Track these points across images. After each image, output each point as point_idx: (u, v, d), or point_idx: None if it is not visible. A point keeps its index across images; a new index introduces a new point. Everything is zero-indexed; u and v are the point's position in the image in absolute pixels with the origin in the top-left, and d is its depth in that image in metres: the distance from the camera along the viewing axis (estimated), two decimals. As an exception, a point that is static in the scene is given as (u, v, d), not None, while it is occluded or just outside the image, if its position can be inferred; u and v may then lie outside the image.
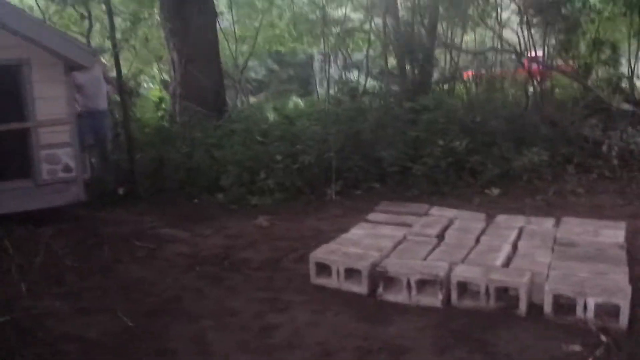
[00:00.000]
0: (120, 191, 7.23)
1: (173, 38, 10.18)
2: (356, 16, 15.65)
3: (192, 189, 7.25)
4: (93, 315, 4.03)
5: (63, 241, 5.47)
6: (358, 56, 17.82)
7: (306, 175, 7.09)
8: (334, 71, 18.13)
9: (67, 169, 6.17)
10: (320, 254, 4.37)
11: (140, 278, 4.70)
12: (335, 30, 14.99)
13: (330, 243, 4.66)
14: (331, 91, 12.81)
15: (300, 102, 18.09)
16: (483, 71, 11.00)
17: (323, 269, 4.30)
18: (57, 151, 6.11)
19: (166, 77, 13.92)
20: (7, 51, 5.82)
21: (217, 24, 11.52)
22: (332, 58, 15.05)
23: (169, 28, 10.27)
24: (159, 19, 11.37)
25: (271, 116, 11.25)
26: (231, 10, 15.82)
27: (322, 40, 15.07)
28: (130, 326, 3.81)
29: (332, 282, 4.21)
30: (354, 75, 16.08)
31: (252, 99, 18.82)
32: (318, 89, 17.15)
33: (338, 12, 15.29)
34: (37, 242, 5.30)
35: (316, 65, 20.91)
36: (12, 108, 6.07)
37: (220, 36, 12.20)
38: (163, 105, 10.98)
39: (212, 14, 10.70)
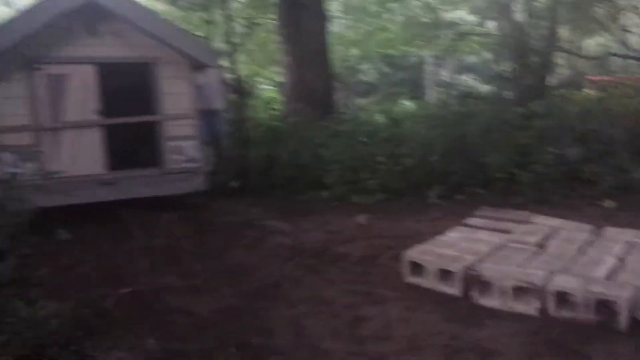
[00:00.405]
0: (233, 184, 7.77)
1: (287, 42, 10.67)
2: (470, 19, 15.37)
3: (298, 186, 7.60)
4: (203, 293, 4.45)
5: (181, 226, 6.03)
6: (471, 59, 17.52)
7: (408, 177, 7.18)
8: (445, 74, 17.95)
9: (190, 159, 6.78)
10: (414, 253, 4.47)
11: (246, 263, 5.09)
12: (448, 33, 14.85)
13: (426, 244, 4.73)
14: (441, 94, 12.79)
15: (410, 105, 18.07)
16: (605, 77, 10.38)
17: (417, 268, 4.39)
18: (182, 143, 6.74)
19: (280, 79, 14.58)
20: (141, 50, 6.55)
21: (329, 28, 11.89)
22: (443, 61, 14.95)
23: (284, 33, 10.78)
24: (274, 24, 11.95)
25: (378, 118, 11.44)
26: (343, 15, 16.21)
27: (433, 44, 14.99)
28: (235, 305, 4.17)
29: (425, 281, 4.29)
30: (466, 78, 15.84)
31: (361, 101, 19.12)
32: (429, 92, 17.01)
33: (451, 15, 15.12)
34: (158, 226, 5.88)
35: (428, 68, 20.73)
36: (143, 102, 6.79)
37: (332, 40, 12.58)
38: (275, 106, 11.55)
39: (324, 19, 11.07)
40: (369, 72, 23.47)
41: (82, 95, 6.38)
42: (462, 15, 15.74)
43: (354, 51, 16.82)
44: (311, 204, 7.16)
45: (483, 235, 4.90)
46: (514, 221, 5.28)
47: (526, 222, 5.28)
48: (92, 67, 6.41)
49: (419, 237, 5.32)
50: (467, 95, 12.33)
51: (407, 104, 18.22)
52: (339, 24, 16.53)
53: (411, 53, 21.10)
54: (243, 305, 4.17)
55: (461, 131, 7.99)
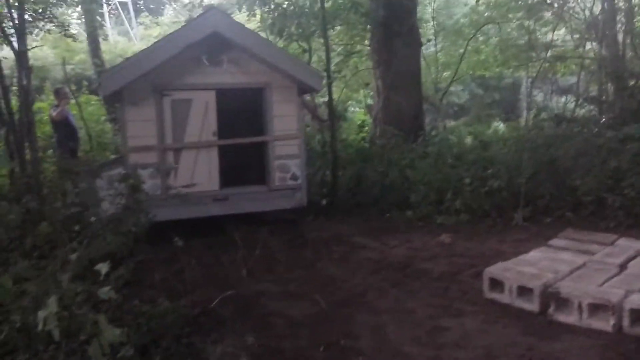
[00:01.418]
0: (324, 202, 8.27)
1: (379, 67, 11.13)
2: (569, 40, 15.04)
3: (384, 205, 7.96)
4: (296, 299, 4.92)
5: (276, 239, 6.58)
6: (568, 81, 17.04)
7: (494, 199, 7.30)
8: (541, 96, 17.57)
9: (294, 177, 7.38)
10: (494, 270, 4.69)
11: (335, 275, 5.53)
12: (544, 54, 14.62)
13: (507, 262, 4.92)
14: (534, 116, 12.63)
15: (502, 127, 17.85)
16: None
17: (496, 284, 4.60)
18: (288, 162, 7.34)
19: (370, 102, 15.04)
20: (254, 76, 7.22)
21: (421, 53, 12.20)
22: (539, 83, 14.72)
23: (376, 59, 11.26)
24: (368, 50, 12.44)
25: (467, 140, 11.56)
26: (435, 38, 16.43)
27: (529, 65, 14.80)
28: (324, 311, 4.59)
29: (504, 297, 4.50)
30: (561, 100, 15.46)
31: (452, 123, 19.13)
32: (524, 114, 16.73)
33: (548, 37, 14.87)
34: (257, 238, 6.45)
35: (523, 89, 20.36)
36: (254, 124, 7.47)
37: (423, 63, 12.86)
38: (365, 128, 12.01)
39: (418, 45, 11.43)
40: (460, 94, 23.38)
41: (202, 118, 7.07)
42: (560, 35, 15.44)
43: (446, 73, 16.95)
44: (396, 222, 7.48)
45: (565, 255, 5.01)
46: (598, 243, 5.33)
47: (611, 244, 5.30)
48: (211, 93, 7.09)
49: (501, 257, 5.50)
50: (561, 118, 12.11)
51: (500, 126, 18.03)
52: (431, 46, 16.76)
53: (505, 74, 20.83)
54: (332, 311, 4.59)
55: (552, 154, 8.00)
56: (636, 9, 11.08)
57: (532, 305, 4.30)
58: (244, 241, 6.26)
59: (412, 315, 4.46)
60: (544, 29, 14.84)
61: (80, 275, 4.55)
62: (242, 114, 7.60)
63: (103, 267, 3.36)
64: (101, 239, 5.45)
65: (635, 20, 10.71)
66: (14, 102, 8.89)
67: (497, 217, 7.14)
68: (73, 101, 10.59)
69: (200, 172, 7.10)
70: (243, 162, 7.60)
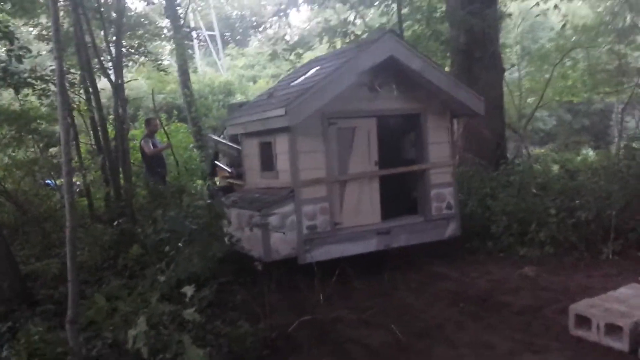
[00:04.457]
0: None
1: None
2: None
3: (465, 234, 7.79)
4: (373, 328, 4.94)
5: (354, 266, 6.60)
6: (665, 106, 16.06)
7: (581, 231, 6.95)
8: (633, 122, 16.64)
9: (449, 206, 7.17)
10: (581, 306, 4.48)
11: (412, 305, 5.49)
12: (637, 79, 13.93)
13: (594, 298, 4.69)
14: (626, 144, 11.98)
15: (591, 155, 17.02)
16: None
17: (583, 321, 4.40)
18: (443, 190, 7.13)
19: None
20: (411, 102, 6.94)
21: (504, 78, 11.97)
22: (630, 109, 14.00)
23: (458, 84, 11.13)
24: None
25: (553, 168, 11.11)
26: (519, 64, 16.04)
27: (619, 90, 14.15)
28: (402, 341, 4.57)
29: (591, 335, 4.29)
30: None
31: (537, 150, 18.45)
32: (615, 141, 15.93)
33: (641, 60, 14.18)
34: (334, 265, 6.51)
35: (614, 115, 19.41)
36: (402, 152, 7.36)
37: (506, 89, 12.57)
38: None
39: (500, 71, 11.24)
40: (546, 120, 22.55)
41: (365, 147, 6.73)
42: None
43: (531, 99, 16.45)
44: (476, 252, 7.30)
45: (659, 293, 4.70)
46: (697, 282, 4.96)
47: None
48: (373, 120, 6.76)
49: (588, 293, 5.25)
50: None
51: (589, 154, 17.20)
52: (515, 71, 16.37)
53: (595, 100, 19.91)
54: (409, 342, 4.56)
55: (645, 184, 7.55)
56: None
57: (621, 344, 4.08)
58: (320, 268, 6.33)
59: (491, 350, 4.35)
60: (635, 54, 14.15)
61: (166, 296, 4.82)
62: (394, 141, 7.42)
63: (189, 290, 3.56)
64: (187, 261, 5.73)
65: None
66: (110, 130, 9.62)
67: (584, 251, 6.79)
68: (162, 130, 11.24)
69: (364, 204, 6.75)
70: (395, 192, 7.26)
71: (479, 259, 6.97)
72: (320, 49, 12.07)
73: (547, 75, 15.10)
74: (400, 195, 7.35)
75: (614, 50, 14.23)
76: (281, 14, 14.24)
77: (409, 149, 7.36)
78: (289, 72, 9.77)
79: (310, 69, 7.38)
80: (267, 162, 6.88)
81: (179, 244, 5.57)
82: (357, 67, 6.28)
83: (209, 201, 7.23)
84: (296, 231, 6.22)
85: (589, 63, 15.21)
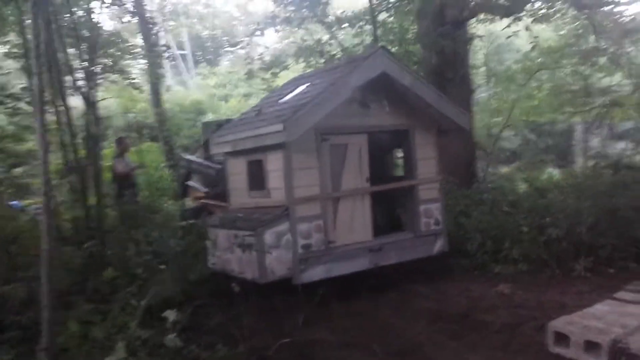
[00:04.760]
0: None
1: (431, 114, 11.14)
2: (626, 84, 14.74)
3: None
4: (353, 349, 4.90)
5: (332, 286, 6.53)
6: (626, 125, 16.59)
7: (553, 249, 7.08)
8: (596, 142, 17.14)
9: (437, 222, 7.17)
10: (559, 323, 4.54)
11: (392, 324, 5.48)
12: (600, 100, 14.39)
13: (572, 315, 4.75)
14: (591, 162, 12.34)
15: (556, 173, 17.43)
16: None
17: (561, 338, 4.44)
18: (430, 206, 7.12)
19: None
20: (399, 117, 6.94)
21: (473, 99, 12.20)
22: (594, 128, 14.43)
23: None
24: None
25: (521, 187, 11.33)
26: (487, 84, 16.40)
27: (583, 111, 14.58)
28: (382, 361, 4.54)
29: (569, 352, 4.33)
30: (619, 146, 15.06)
31: (504, 169, 18.80)
32: (578, 160, 16.35)
33: (604, 81, 14.63)
34: (315, 285, 6.42)
35: (577, 135, 19.96)
36: (389, 168, 7.34)
37: (475, 109, 12.82)
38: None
39: (469, 91, 11.45)
40: (512, 139, 23.03)
41: (356, 163, 6.69)
42: (617, 80, 15.14)
43: (497, 119, 16.81)
44: (452, 270, 7.34)
45: (633, 309, 4.80)
46: (669, 297, 5.08)
47: (683, 299, 5.05)
48: (364, 136, 6.74)
49: (563, 309, 5.33)
50: (619, 164, 11.76)
51: (554, 172, 17.61)
52: (482, 92, 16.73)
53: (559, 120, 20.46)
54: (390, 362, 4.53)
55: (614, 202, 7.74)
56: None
57: (600, 362, 4.12)
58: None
59: (472, 369, 4.35)
60: (598, 75, 14.62)
61: (139, 321, 4.70)
62: (378, 158, 7.36)
63: (171, 314, 3.46)
64: (160, 284, 5.60)
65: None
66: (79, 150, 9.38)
67: (556, 268, 6.90)
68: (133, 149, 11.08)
69: (356, 221, 6.67)
70: (379, 209, 7.20)
71: (455, 277, 7.02)
72: (296, 69, 12.13)
73: (513, 96, 15.49)
74: (384, 212, 7.35)
75: (577, 71, 14.69)
76: (258, 33, 14.23)
77: (392, 166, 7.36)
78: (273, 90, 9.66)
79: (298, 86, 7.32)
80: (257, 180, 6.73)
81: (162, 266, 5.41)
82: (352, 83, 6.29)
83: (191, 222, 7.07)
84: (291, 250, 6.06)
85: (554, 84, 15.67)
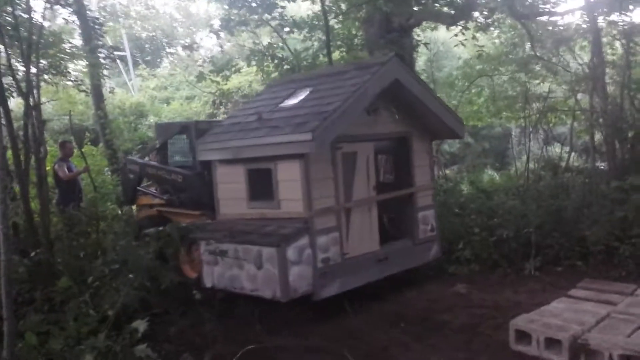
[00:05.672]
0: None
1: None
2: (560, 91, 15.49)
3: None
4: (318, 354, 4.87)
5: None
6: (561, 129, 17.43)
7: (503, 249, 7.34)
8: (533, 145, 17.89)
9: (432, 228, 7.11)
10: (520, 321, 4.69)
11: (356, 327, 5.49)
12: (537, 105, 15.02)
13: (531, 313, 4.92)
14: (530, 165, 12.88)
15: (496, 176, 18.08)
16: None
17: (522, 336, 4.59)
18: (426, 213, 7.07)
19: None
20: (400, 125, 6.84)
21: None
22: (531, 132, 15.05)
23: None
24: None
25: (466, 189, 11.67)
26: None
27: (521, 116, 15.19)
28: (350, 366, 4.53)
29: (531, 349, 4.48)
30: (555, 149, 15.78)
31: (447, 171, 19.34)
32: (516, 163, 17.04)
33: (540, 88, 15.32)
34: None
35: (514, 139, 20.77)
36: (399, 175, 7.11)
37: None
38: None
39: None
40: (451, 143, 23.75)
41: (365, 172, 6.47)
42: (552, 87, 15.89)
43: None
44: (407, 271, 7.42)
45: (588, 306, 5.04)
46: (618, 293, 5.38)
47: (631, 294, 5.34)
48: (371, 145, 6.59)
49: (519, 308, 5.52)
50: (557, 167, 12.34)
51: (493, 175, 18.26)
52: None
53: (497, 124, 21.25)
54: (358, 366, 4.53)
55: (556, 204, 8.10)
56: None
57: (560, 357, 4.29)
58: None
59: (438, 370, 4.42)
60: (535, 81, 15.30)
61: (93, 331, 4.50)
62: (388, 165, 7.24)
63: (141, 325, 3.32)
64: (114, 292, 5.37)
65: (630, 73, 11.07)
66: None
67: (507, 267, 7.16)
68: (77, 152, 10.61)
69: (365, 231, 6.43)
70: (392, 217, 7.11)
71: (410, 278, 7.10)
72: (248, 72, 11.99)
73: (454, 102, 15.97)
74: (399, 218, 7.20)
75: (514, 78, 15.33)
76: (210, 35, 13.89)
77: (385, 173, 7.24)
78: (259, 93, 9.22)
79: (294, 90, 6.95)
80: (261, 190, 6.23)
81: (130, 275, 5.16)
82: (371, 90, 6.13)
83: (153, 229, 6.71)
84: (311, 265, 5.70)
85: (492, 90, 16.28)
